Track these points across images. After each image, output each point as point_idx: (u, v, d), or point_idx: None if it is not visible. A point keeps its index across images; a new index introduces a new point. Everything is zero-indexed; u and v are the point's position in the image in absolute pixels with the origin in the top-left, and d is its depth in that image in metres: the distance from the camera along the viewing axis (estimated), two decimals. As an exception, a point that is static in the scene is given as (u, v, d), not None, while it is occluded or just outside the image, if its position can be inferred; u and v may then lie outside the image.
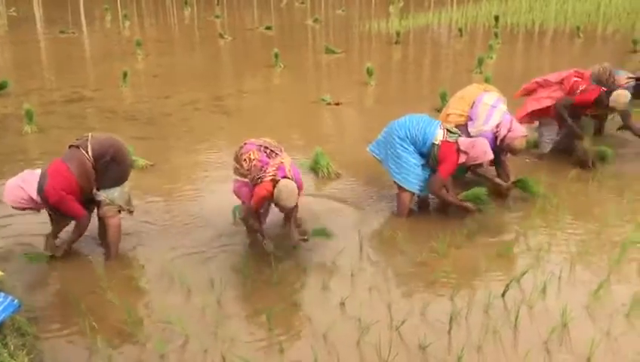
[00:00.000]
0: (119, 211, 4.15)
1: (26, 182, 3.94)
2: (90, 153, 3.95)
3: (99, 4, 18.65)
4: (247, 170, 4.04)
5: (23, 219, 4.52)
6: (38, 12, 19.99)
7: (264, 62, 11.10)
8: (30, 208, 4.03)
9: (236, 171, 4.20)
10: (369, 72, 9.45)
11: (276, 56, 10.76)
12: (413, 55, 12.71)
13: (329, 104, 8.25)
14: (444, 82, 8.40)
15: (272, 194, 3.87)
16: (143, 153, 5.95)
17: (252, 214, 4.11)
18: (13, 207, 4.00)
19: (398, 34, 13.62)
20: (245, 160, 4.05)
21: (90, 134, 4.09)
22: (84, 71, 11.16)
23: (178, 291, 3.66)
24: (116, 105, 8.30)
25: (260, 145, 4.09)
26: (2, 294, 2.65)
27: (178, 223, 4.69)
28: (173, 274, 3.81)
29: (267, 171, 3.94)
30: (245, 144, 4.15)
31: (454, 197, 4.64)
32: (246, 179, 4.12)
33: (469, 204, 4.60)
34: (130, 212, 4.30)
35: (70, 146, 4.06)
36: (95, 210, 4.24)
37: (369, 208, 4.91)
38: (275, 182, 3.89)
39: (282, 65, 10.71)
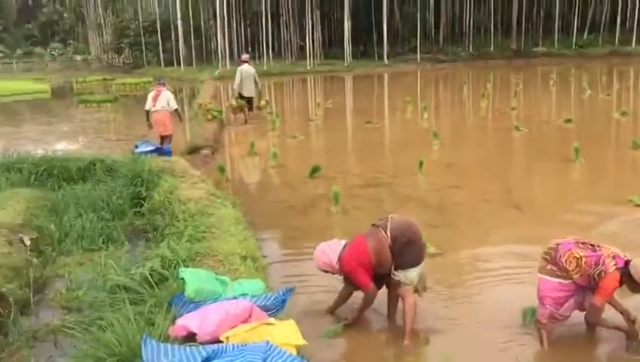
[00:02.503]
0: (415, 291, 4.35)
1: (331, 248, 4.48)
2: (388, 233, 4.27)
3: (401, 97, 20.20)
4: (575, 269, 3.91)
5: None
6: (349, 104, 22.54)
7: (560, 157, 10.60)
8: (330, 272, 4.54)
9: (550, 273, 4.08)
10: (689, 172, 8.31)
11: (576, 150, 10.20)
12: None
13: (638, 206, 7.46)
14: None
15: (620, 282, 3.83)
16: (432, 240, 6.13)
17: (599, 311, 4.00)
18: (317, 268, 4.56)
19: None
20: (568, 261, 3.94)
21: (390, 216, 4.44)
22: (384, 158, 12.10)
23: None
24: (411, 192, 8.77)
25: (577, 242, 3.98)
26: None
27: (463, 314, 4.69)
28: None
29: (606, 263, 3.84)
30: (558, 245, 4.05)
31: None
32: (564, 280, 3.97)
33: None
34: (419, 293, 4.48)
35: (373, 225, 4.46)
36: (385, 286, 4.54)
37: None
38: (619, 270, 3.81)
39: (582, 160, 10.09)
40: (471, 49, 45.83)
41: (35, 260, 5.61)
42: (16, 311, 4.56)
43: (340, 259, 4.38)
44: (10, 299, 4.61)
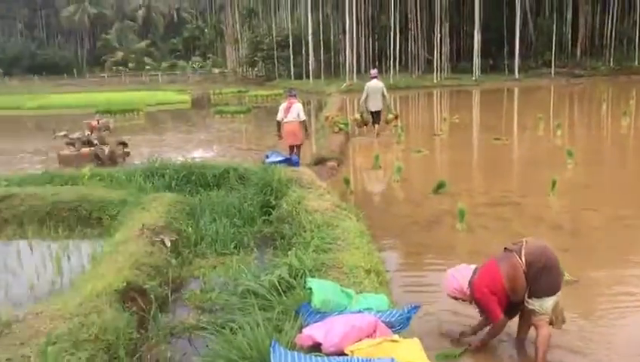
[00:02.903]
0: (550, 323, 4.15)
1: (460, 273, 4.36)
2: (523, 258, 4.09)
3: (533, 113, 19.35)
4: None
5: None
6: (476, 120, 21.97)
7: None
8: (460, 299, 4.40)
9: None
10: None
11: None
12: None
13: None
14: None
15: None
16: (566, 266, 5.80)
17: None
18: (447, 295, 4.46)
19: None
20: None
21: (525, 240, 4.25)
22: (512, 176, 11.66)
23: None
24: (542, 213, 8.36)
25: None
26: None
27: (597, 346, 4.42)
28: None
29: None
30: None
31: None
32: None
33: None
34: (555, 324, 4.26)
35: (505, 249, 4.29)
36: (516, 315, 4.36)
37: None
38: None
39: None
40: (612, 63, 42.95)
41: (173, 261, 6.03)
42: (156, 308, 4.92)
43: (470, 284, 4.24)
44: (152, 296, 4.98)
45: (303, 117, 11.64)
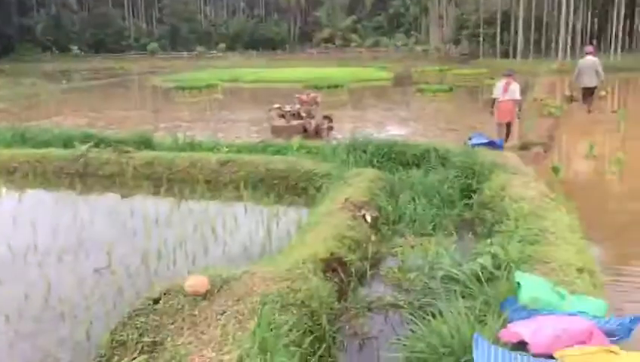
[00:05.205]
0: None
1: None
2: None
3: None
4: None
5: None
6: None
7: None
8: None
9: None
10: None
11: None
12: None
13: None
14: None
15: None
16: None
17: None
18: None
19: None
20: None
21: None
22: None
23: None
24: None
25: None
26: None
27: None
28: None
29: None
30: None
31: None
32: None
33: None
34: None
35: None
36: None
37: None
38: None
39: None
40: None
41: (373, 236, 6.14)
42: (356, 281, 5.05)
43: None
44: (352, 269, 5.14)
45: (518, 96, 11.34)
